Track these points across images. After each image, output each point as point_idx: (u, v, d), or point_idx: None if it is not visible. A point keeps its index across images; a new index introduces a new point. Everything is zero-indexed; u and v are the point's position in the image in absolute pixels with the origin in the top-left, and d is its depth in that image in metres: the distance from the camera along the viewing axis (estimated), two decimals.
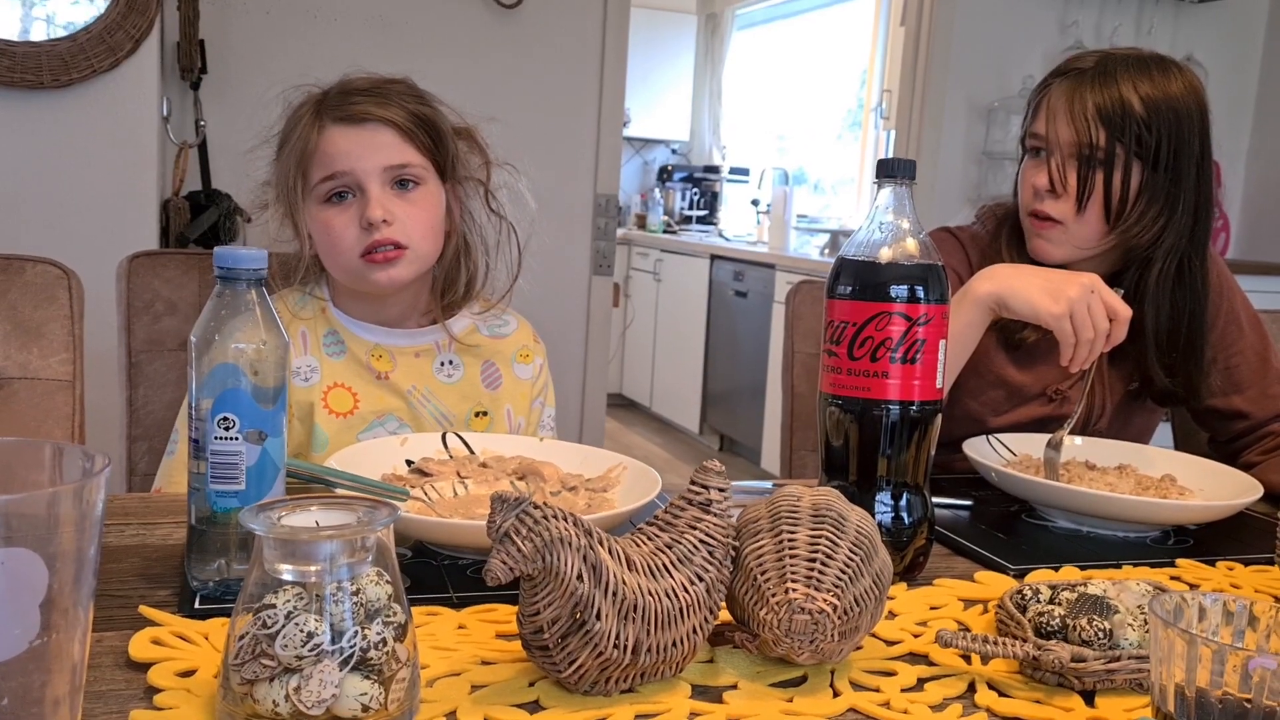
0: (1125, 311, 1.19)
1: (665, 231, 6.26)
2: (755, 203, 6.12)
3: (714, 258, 5.32)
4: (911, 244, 0.91)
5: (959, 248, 1.46)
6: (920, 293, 0.90)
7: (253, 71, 2.44)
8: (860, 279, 0.91)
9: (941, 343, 0.91)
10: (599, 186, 2.85)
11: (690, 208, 6.51)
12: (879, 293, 0.90)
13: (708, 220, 6.52)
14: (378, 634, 0.59)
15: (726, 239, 5.92)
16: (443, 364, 1.29)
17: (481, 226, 1.31)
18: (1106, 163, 1.31)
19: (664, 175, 6.62)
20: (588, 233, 2.85)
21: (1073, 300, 1.18)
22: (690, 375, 5.50)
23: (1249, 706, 0.55)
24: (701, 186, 6.57)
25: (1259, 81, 4.01)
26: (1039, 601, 0.80)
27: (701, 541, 0.70)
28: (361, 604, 0.59)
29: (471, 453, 1.09)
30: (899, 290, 0.89)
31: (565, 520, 0.65)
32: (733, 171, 6.55)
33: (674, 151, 6.91)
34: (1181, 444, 1.66)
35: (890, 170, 0.93)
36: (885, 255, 0.91)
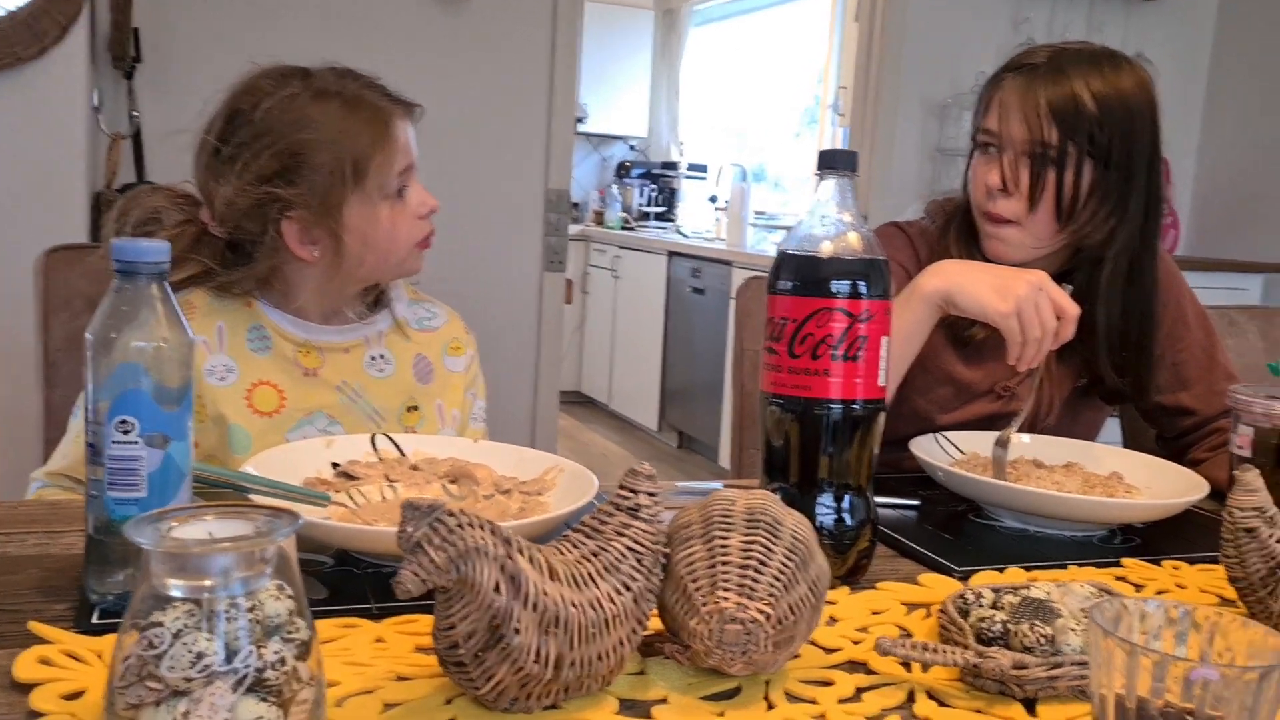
0: (1073, 309, 1.17)
1: (623, 228, 6.23)
2: (713, 199, 6.10)
3: (672, 254, 5.30)
4: (853, 238, 0.89)
5: (908, 243, 1.43)
6: (862, 288, 0.87)
7: (189, 60, 2.37)
8: (801, 274, 0.88)
9: (884, 340, 0.89)
10: (550, 181, 2.81)
11: (648, 204, 6.48)
12: (820, 288, 0.87)
13: (666, 217, 6.50)
14: (275, 653, 0.55)
15: (684, 236, 5.90)
16: (373, 359, 1.26)
17: None
18: (1059, 161, 1.29)
19: (622, 171, 6.58)
20: (539, 229, 2.81)
21: (1021, 299, 1.16)
22: (648, 373, 5.47)
23: (1190, 718, 0.53)
24: (659, 183, 6.55)
25: (1207, 79, 4.05)
26: (981, 606, 0.77)
27: (629, 549, 0.67)
28: (258, 621, 0.55)
29: (402, 454, 1.05)
30: (840, 286, 0.87)
31: (482, 529, 0.61)
32: (691, 168, 6.52)
33: (632, 148, 6.87)
34: (1130, 441, 1.66)
35: (832, 162, 0.90)
36: (827, 250, 0.88)
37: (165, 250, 0.72)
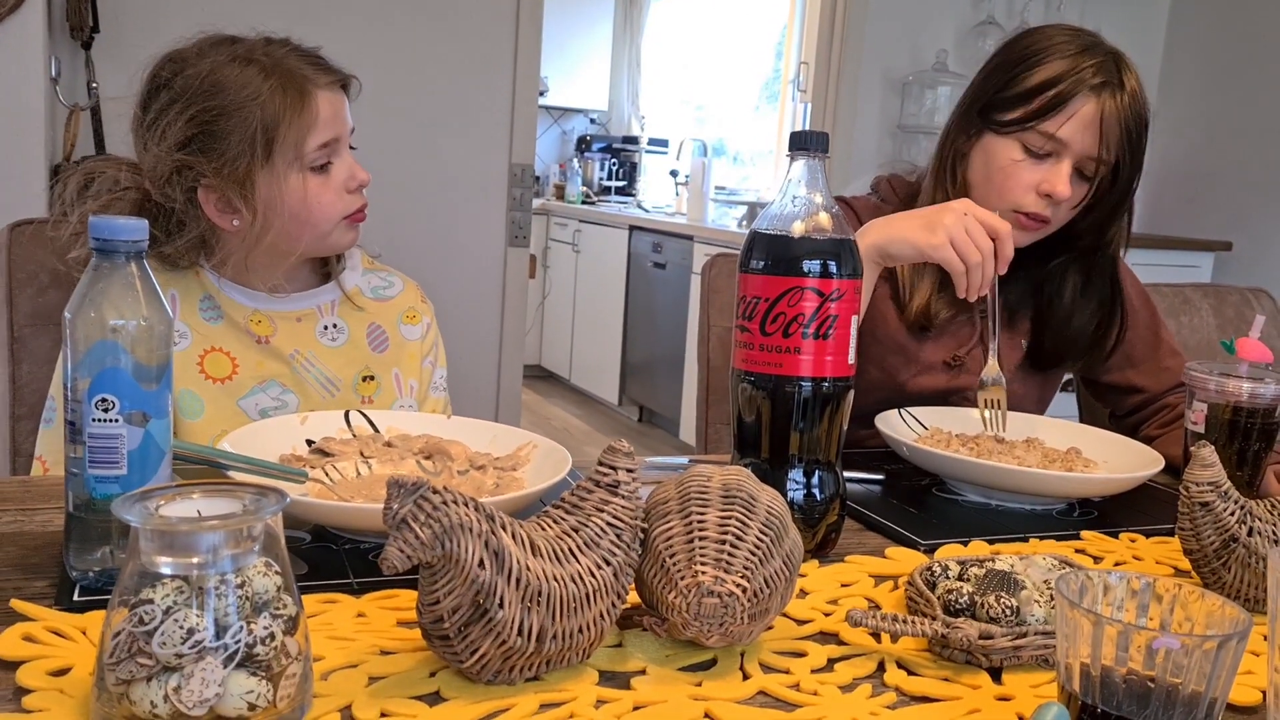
0: (1004, 227, 1.19)
1: (584, 202, 6.21)
2: (674, 174, 6.10)
3: (633, 229, 5.30)
4: (824, 218, 0.90)
5: (854, 217, 1.44)
6: (833, 268, 0.88)
7: (148, 31, 2.31)
8: (772, 253, 0.89)
9: (854, 318, 0.90)
10: (514, 156, 2.79)
11: (609, 178, 6.46)
12: (791, 267, 0.88)
13: (627, 191, 6.49)
14: (265, 628, 0.56)
15: (645, 210, 5.90)
16: (326, 328, 1.26)
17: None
18: (1110, 178, 1.31)
19: (582, 145, 6.56)
20: (503, 204, 2.80)
21: (949, 227, 1.17)
22: (609, 347, 5.47)
23: (1152, 685, 0.55)
24: (620, 157, 6.53)
25: (1162, 59, 4.11)
26: (948, 578, 0.80)
27: (609, 524, 0.68)
28: (247, 597, 0.56)
29: (376, 431, 1.06)
30: (812, 265, 0.88)
31: (466, 505, 0.62)
32: (652, 142, 6.51)
33: (593, 121, 6.84)
34: (1086, 416, 1.70)
35: (803, 143, 0.91)
36: (798, 229, 0.89)
37: (143, 228, 0.72)
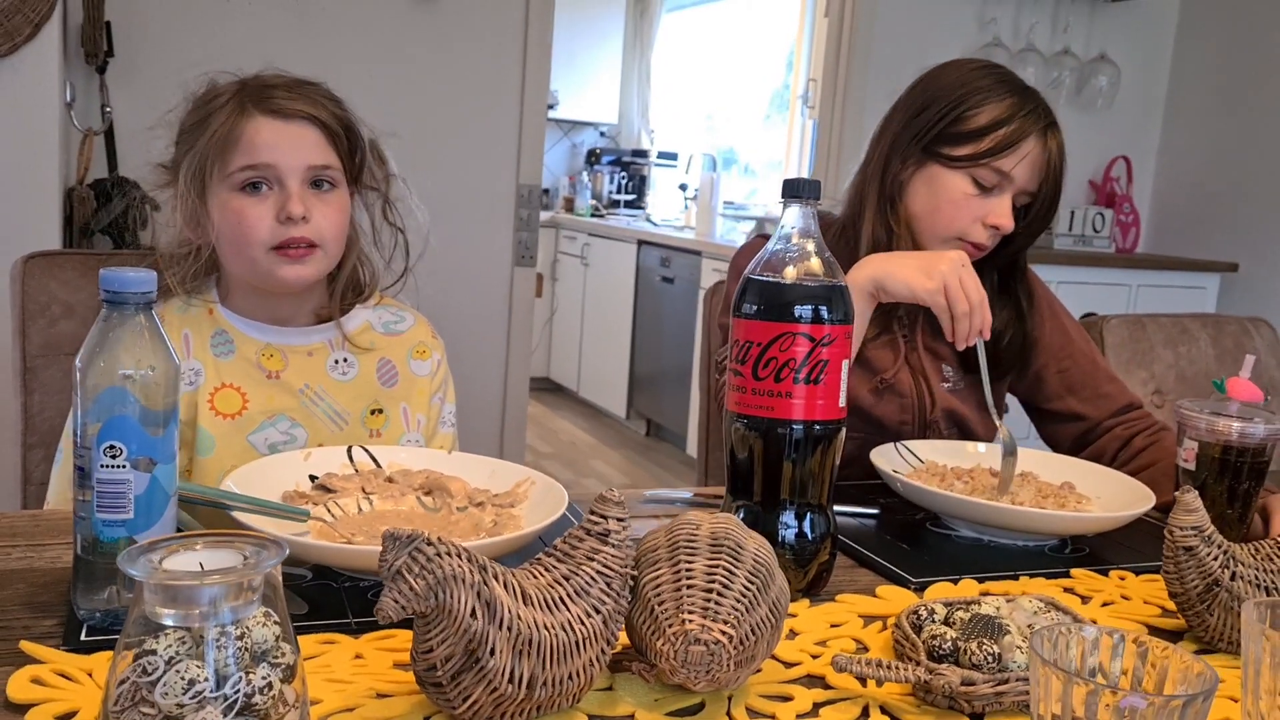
0: (983, 294, 1.26)
1: (593, 215, 6.24)
2: (683, 187, 6.12)
3: (641, 243, 5.32)
4: (816, 264, 0.92)
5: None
6: (824, 313, 0.90)
7: (161, 55, 2.36)
8: (765, 299, 0.91)
9: (844, 362, 0.92)
10: (522, 176, 2.82)
11: (618, 191, 6.50)
12: (783, 313, 0.90)
13: (635, 204, 6.52)
14: (263, 678, 0.58)
15: (654, 224, 5.92)
16: (336, 362, 1.28)
17: (378, 234, 1.32)
18: (1039, 209, 1.41)
19: (592, 158, 6.59)
20: (510, 223, 2.82)
21: (944, 274, 1.25)
22: (617, 360, 5.50)
23: None
24: (629, 170, 6.56)
25: (1169, 79, 4.12)
26: (934, 622, 0.81)
27: (599, 573, 0.70)
28: (246, 648, 0.58)
29: (378, 466, 1.08)
30: (803, 311, 0.90)
31: (459, 556, 0.64)
32: (661, 156, 6.54)
33: (602, 134, 6.88)
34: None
35: (795, 190, 0.93)
36: (790, 275, 0.91)
37: (151, 280, 0.74)
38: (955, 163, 1.38)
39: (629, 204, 6.50)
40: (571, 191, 6.55)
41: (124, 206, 2.26)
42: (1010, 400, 1.54)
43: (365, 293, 1.32)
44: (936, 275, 1.24)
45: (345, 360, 1.28)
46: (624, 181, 6.53)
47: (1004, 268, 1.47)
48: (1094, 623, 0.74)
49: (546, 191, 6.20)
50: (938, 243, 1.41)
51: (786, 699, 0.74)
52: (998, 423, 1.27)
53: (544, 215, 4.13)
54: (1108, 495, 1.23)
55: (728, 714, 0.71)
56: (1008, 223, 1.38)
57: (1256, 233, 3.80)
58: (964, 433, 1.46)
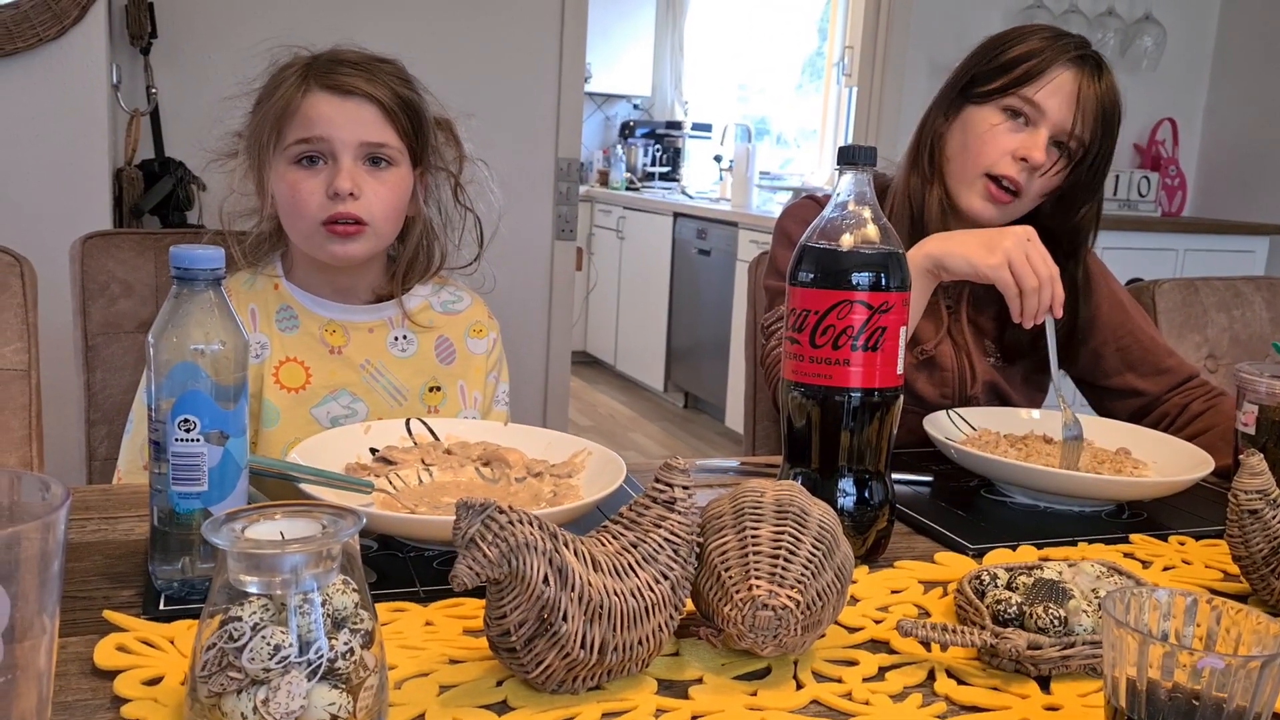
0: (1055, 269, 1.23)
1: (628, 189, 6.23)
2: (718, 159, 6.09)
3: (677, 215, 5.31)
4: (872, 230, 0.92)
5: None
6: (882, 280, 0.90)
7: (204, 36, 2.38)
8: (822, 267, 0.91)
9: (902, 329, 0.92)
10: (560, 150, 2.82)
11: (653, 164, 6.48)
12: (840, 280, 0.90)
13: (670, 177, 6.50)
14: (345, 643, 0.59)
15: (689, 196, 5.90)
16: (396, 339, 1.29)
17: (448, 215, 1.32)
18: (1084, 159, 1.36)
19: (626, 131, 6.57)
20: (549, 198, 2.83)
21: (1008, 249, 1.21)
22: (654, 333, 5.50)
23: (1197, 703, 0.57)
24: (664, 143, 6.54)
25: (1215, 40, 4.04)
26: (996, 587, 0.81)
27: (666, 540, 0.71)
28: (328, 614, 0.59)
29: (436, 438, 1.09)
30: (861, 278, 0.90)
31: (531, 524, 0.65)
32: (695, 127, 6.51)
33: (636, 107, 6.85)
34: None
35: (851, 157, 0.93)
36: (847, 242, 0.91)
37: (220, 257, 0.75)
38: (985, 98, 1.37)
39: (664, 176, 6.48)
40: (606, 165, 6.54)
41: (171, 186, 2.28)
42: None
43: (431, 272, 1.33)
44: (1000, 250, 1.21)
45: (405, 337, 1.30)
46: (658, 154, 6.51)
47: (1065, 251, 1.40)
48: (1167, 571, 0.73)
49: (582, 165, 6.20)
50: (967, 182, 1.38)
51: (852, 664, 0.74)
52: (1063, 406, 1.26)
53: (580, 189, 4.13)
54: (1163, 460, 1.22)
55: (794, 678, 0.72)
56: (1038, 154, 1.33)
57: None
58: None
